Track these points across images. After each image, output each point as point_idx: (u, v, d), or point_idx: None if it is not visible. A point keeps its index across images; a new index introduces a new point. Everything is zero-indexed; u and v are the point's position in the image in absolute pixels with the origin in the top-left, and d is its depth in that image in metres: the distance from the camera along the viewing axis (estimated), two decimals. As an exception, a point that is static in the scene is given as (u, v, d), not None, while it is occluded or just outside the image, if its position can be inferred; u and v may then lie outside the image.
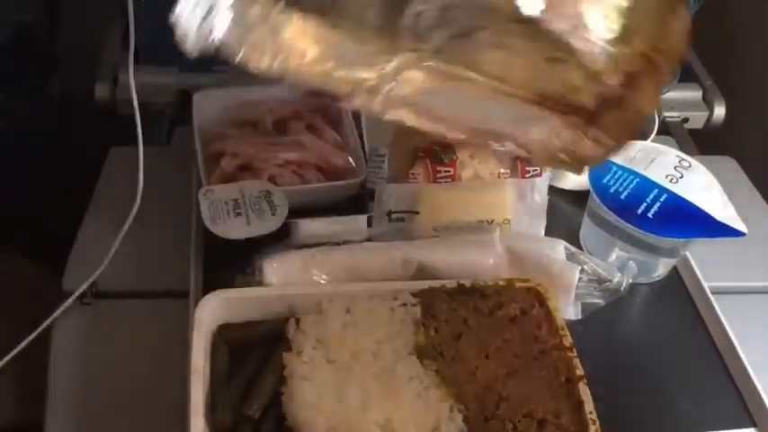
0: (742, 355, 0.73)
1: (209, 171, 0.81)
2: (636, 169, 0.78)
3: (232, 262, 0.71)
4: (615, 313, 0.76)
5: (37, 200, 1.17)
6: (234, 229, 0.72)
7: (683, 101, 1.11)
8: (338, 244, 0.73)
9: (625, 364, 0.73)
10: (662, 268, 0.81)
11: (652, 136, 0.88)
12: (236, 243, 0.73)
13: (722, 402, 0.71)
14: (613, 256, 0.79)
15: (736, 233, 0.74)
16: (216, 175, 0.80)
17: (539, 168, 0.79)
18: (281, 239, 0.74)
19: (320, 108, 0.89)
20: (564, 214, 0.87)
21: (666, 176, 0.78)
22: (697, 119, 1.10)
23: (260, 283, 0.69)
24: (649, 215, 0.74)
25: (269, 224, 0.73)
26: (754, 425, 0.69)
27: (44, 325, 0.71)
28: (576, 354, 0.66)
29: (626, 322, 0.77)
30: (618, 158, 0.79)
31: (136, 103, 0.70)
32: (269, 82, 0.90)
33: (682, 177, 0.78)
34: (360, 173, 0.81)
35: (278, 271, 0.69)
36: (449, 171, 0.77)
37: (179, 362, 0.64)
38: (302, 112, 0.88)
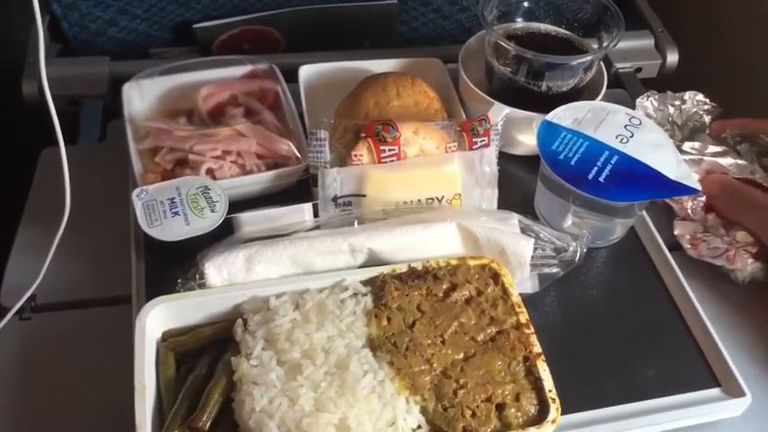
0: (703, 315, 0.72)
1: (145, 167, 0.77)
2: (585, 132, 0.76)
3: (175, 263, 0.68)
4: (574, 282, 0.75)
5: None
6: (172, 230, 0.69)
7: (635, 50, 1.08)
8: (285, 235, 0.71)
9: (586, 334, 0.72)
10: (619, 230, 0.79)
11: (602, 93, 0.86)
12: (178, 243, 0.70)
13: (685, 364, 0.70)
14: (569, 222, 0.77)
15: (691, 191, 0.72)
16: (151, 173, 0.76)
17: (486, 138, 0.76)
18: (224, 235, 0.71)
19: (258, 91, 0.85)
20: (518, 181, 0.85)
21: (617, 137, 0.76)
22: (650, 68, 1.08)
23: (203, 286, 0.66)
24: (601, 179, 0.72)
25: (208, 221, 0.70)
26: (717, 384, 0.68)
27: (-18, 346, 0.68)
28: (533, 330, 0.65)
29: (585, 289, 0.76)
30: (567, 121, 0.77)
31: (49, 95, 0.66)
32: (203, 66, 0.87)
33: (632, 137, 0.76)
34: (303, 158, 0.77)
35: (221, 272, 0.66)
36: (393, 149, 0.74)
37: (127, 371, 0.62)
38: (239, 96, 0.84)
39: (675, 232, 0.80)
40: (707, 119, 0.88)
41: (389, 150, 0.74)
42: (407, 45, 1.11)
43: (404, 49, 1.04)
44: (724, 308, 0.76)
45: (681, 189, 0.72)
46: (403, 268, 0.68)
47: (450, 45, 0.99)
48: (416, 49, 1.04)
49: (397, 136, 0.73)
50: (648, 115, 0.87)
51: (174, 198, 0.71)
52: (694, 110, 0.88)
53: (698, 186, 0.72)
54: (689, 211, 0.82)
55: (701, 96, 0.89)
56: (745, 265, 0.76)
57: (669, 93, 0.89)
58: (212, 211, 0.71)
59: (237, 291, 0.66)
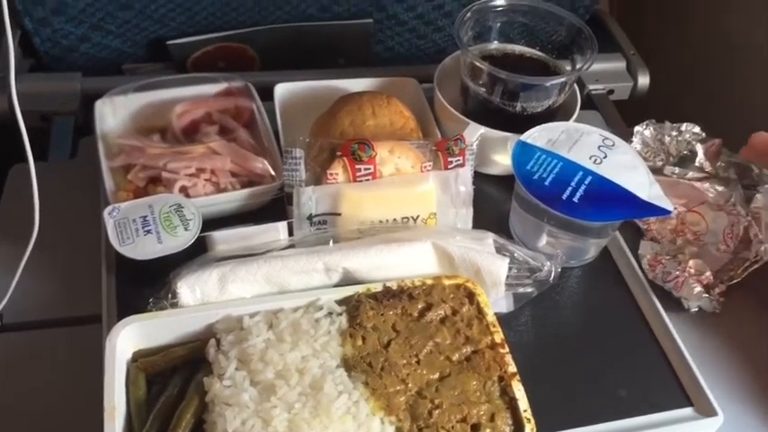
0: (675, 335, 0.73)
1: (117, 185, 0.76)
2: (559, 152, 0.77)
3: (147, 282, 0.67)
4: (548, 301, 0.75)
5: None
6: (144, 248, 0.68)
7: (607, 72, 1.10)
8: (259, 254, 0.70)
9: (560, 353, 0.72)
10: (593, 250, 0.80)
11: (575, 114, 0.87)
12: (150, 262, 0.69)
13: (658, 384, 0.70)
14: (543, 241, 0.78)
15: (663, 212, 0.73)
16: (124, 190, 0.75)
17: (461, 158, 0.76)
18: (197, 254, 0.70)
19: (233, 109, 0.84)
20: (493, 200, 0.85)
21: (590, 157, 0.76)
22: (622, 90, 1.10)
23: (176, 305, 0.65)
24: (575, 200, 0.72)
25: (181, 240, 0.69)
26: (690, 404, 0.69)
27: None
28: (508, 350, 0.65)
29: (559, 309, 0.76)
30: (541, 142, 0.78)
31: (19, 111, 0.64)
32: (177, 83, 0.86)
33: (606, 157, 0.77)
34: (278, 177, 0.77)
35: (194, 291, 0.66)
36: (369, 168, 0.74)
37: (97, 393, 0.60)
38: (214, 114, 0.83)
39: (639, 251, 0.81)
40: (699, 148, 0.89)
41: (365, 169, 0.74)
42: (383, 64, 1.11)
43: (379, 68, 1.04)
44: (696, 328, 0.77)
45: (653, 210, 0.73)
46: (378, 288, 0.68)
47: (425, 65, 1.00)
48: (392, 68, 1.04)
49: (373, 155, 0.73)
50: (645, 143, 0.90)
51: (146, 216, 0.70)
52: (688, 140, 0.90)
53: (669, 207, 0.73)
54: (655, 232, 0.83)
55: (697, 129, 0.90)
56: (691, 294, 0.77)
57: (667, 123, 0.90)
58: (185, 229, 0.70)
59: (210, 310, 0.65)
